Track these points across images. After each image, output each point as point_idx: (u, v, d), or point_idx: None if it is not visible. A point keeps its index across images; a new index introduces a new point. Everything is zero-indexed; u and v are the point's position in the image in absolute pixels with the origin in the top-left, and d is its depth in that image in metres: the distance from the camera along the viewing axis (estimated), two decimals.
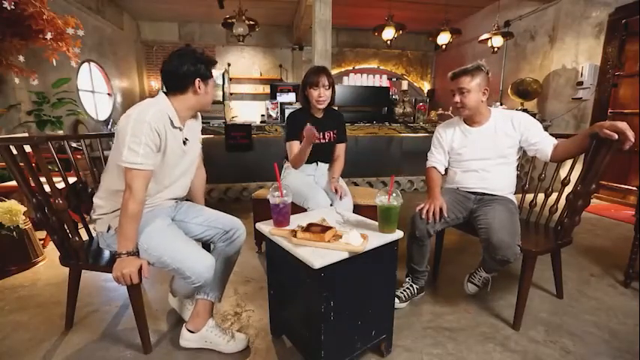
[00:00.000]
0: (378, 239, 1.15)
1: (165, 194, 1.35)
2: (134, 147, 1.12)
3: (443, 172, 1.76)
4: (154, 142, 1.17)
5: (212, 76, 1.31)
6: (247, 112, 6.91)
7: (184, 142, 1.32)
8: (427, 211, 1.52)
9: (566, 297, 1.75)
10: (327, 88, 1.85)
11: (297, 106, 4.05)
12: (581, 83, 3.96)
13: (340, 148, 2.05)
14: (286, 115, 3.69)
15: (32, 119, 3.45)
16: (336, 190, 1.83)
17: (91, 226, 1.43)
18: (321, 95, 1.84)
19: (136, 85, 6.47)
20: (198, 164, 1.54)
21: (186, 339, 1.34)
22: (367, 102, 4.60)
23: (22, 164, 1.24)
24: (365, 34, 6.88)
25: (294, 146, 1.91)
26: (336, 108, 2.09)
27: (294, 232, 1.14)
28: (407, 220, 1.59)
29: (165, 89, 1.28)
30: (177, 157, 1.30)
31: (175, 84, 1.25)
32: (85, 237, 1.42)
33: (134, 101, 5.83)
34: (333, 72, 6.73)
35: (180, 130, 1.30)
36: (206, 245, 1.61)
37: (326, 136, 1.98)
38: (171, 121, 1.24)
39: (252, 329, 1.48)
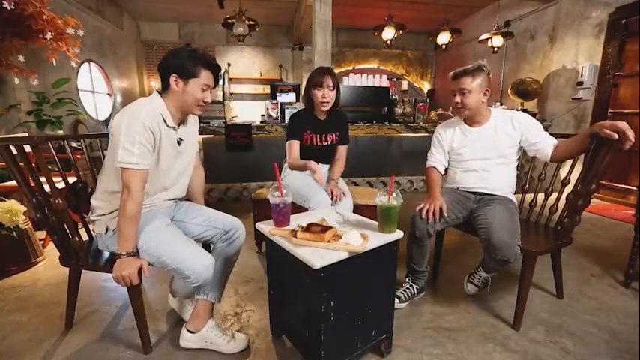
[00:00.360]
0: (378, 239, 1.15)
1: (164, 195, 1.35)
2: (129, 147, 1.11)
3: (443, 172, 1.76)
4: (149, 140, 1.16)
5: (196, 76, 1.21)
6: (247, 112, 6.91)
7: (179, 143, 1.30)
8: (427, 211, 1.52)
9: (566, 297, 1.75)
10: (332, 89, 1.82)
11: (298, 106, 4.06)
12: (581, 83, 3.96)
13: (342, 150, 2.03)
14: (286, 115, 3.73)
15: (32, 119, 3.46)
16: (332, 194, 1.81)
17: (90, 227, 1.43)
18: (325, 96, 1.81)
19: (136, 85, 6.47)
20: (196, 164, 1.53)
21: (186, 339, 1.34)
22: (367, 102, 4.59)
23: (22, 164, 1.23)
24: (365, 34, 6.88)
25: (294, 145, 1.90)
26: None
27: (294, 232, 1.14)
28: (407, 220, 1.59)
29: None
30: (171, 157, 1.29)
31: (161, 81, 1.24)
32: (85, 237, 1.41)
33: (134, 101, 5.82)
34: None
35: (174, 129, 1.28)
36: (206, 245, 1.60)
37: (328, 139, 1.96)
38: (165, 120, 1.23)
39: (252, 329, 1.48)
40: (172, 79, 1.21)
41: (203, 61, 1.22)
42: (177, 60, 1.20)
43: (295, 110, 3.73)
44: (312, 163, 1.73)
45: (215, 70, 1.28)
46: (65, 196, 1.34)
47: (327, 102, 1.83)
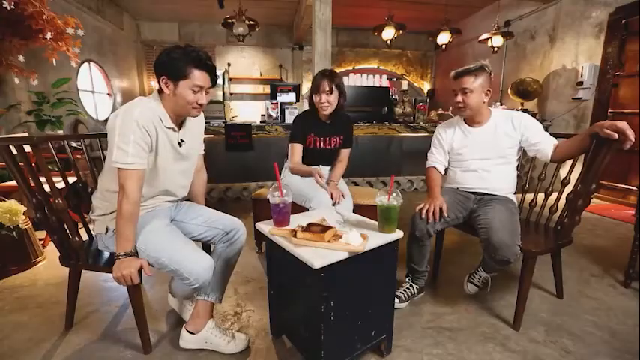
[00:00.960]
0: (378, 239, 1.15)
1: (165, 196, 1.35)
2: (123, 146, 1.10)
3: (443, 172, 1.76)
4: (144, 140, 1.14)
5: (187, 77, 1.16)
6: (247, 112, 6.90)
7: (179, 144, 1.29)
8: (427, 211, 1.52)
9: (566, 297, 1.75)
10: (329, 92, 1.78)
11: (297, 106, 4.06)
12: (581, 83, 3.96)
13: (344, 153, 2.02)
14: (286, 115, 3.72)
15: (32, 119, 3.45)
16: (331, 195, 1.80)
17: (90, 226, 1.43)
18: (322, 100, 1.79)
19: (136, 85, 6.47)
20: (199, 166, 1.53)
21: (186, 340, 1.33)
22: (367, 102, 4.59)
23: (22, 164, 1.23)
24: (365, 34, 6.88)
25: (296, 149, 1.89)
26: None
27: (294, 232, 1.14)
28: (407, 220, 1.59)
29: None
30: (171, 158, 1.27)
31: (157, 82, 1.21)
32: (85, 237, 1.42)
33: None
34: None
35: (174, 130, 1.27)
36: (206, 246, 1.60)
37: (332, 142, 1.94)
38: (162, 121, 1.21)
39: (252, 329, 1.48)
40: (162, 81, 1.17)
41: (194, 60, 1.15)
42: (167, 60, 1.16)
43: (296, 110, 3.75)
44: (320, 172, 1.74)
45: (209, 69, 1.20)
46: (65, 196, 1.34)
47: (326, 106, 1.80)
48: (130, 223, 1.14)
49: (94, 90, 5.03)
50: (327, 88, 1.77)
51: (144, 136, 1.14)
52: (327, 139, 1.93)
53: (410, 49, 7.49)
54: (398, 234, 1.20)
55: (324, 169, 2.02)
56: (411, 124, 4.03)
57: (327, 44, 3.82)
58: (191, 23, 6.58)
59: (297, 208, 1.68)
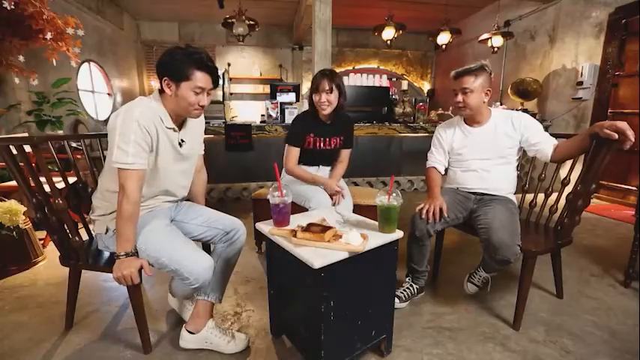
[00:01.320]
0: (378, 239, 1.15)
1: (165, 196, 1.35)
2: (123, 146, 1.10)
3: (443, 172, 1.76)
4: (145, 140, 1.14)
5: (189, 79, 1.15)
6: (247, 112, 6.90)
7: (180, 144, 1.29)
8: (427, 211, 1.52)
9: (566, 297, 1.75)
10: (329, 92, 1.76)
11: (297, 106, 4.06)
12: (581, 83, 3.96)
13: (345, 154, 2.01)
14: (286, 114, 3.72)
15: (32, 119, 3.45)
16: (331, 197, 1.80)
17: (90, 226, 1.43)
18: (322, 100, 1.78)
19: (136, 85, 6.47)
20: (199, 166, 1.53)
21: (186, 340, 1.33)
22: (367, 102, 4.59)
23: (22, 164, 1.23)
24: (365, 34, 6.88)
25: (293, 151, 1.87)
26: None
27: (294, 232, 1.14)
28: (407, 220, 1.59)
29: None
30: (171, 158, 1.27)
31: (159, 82, 1.21)
32: (85, 237, 1.41)
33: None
34: None
35: (175, 130, 1.27)
36: (206, 246, 1.60)
37: (332, 143, 1.93)
38: (162, 121, 1.21)
39: (252, 329, 1.48)
40: (164, 82, 1.18)
41: (196, 62, 1.15)
42: (169, 61, 1.16)
43: (296, 110, 3.75)
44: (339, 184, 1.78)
45: (211, 71, 1.20)
46: (65, 196, 1.34)
47: (326, 105, 1.79)
48: (131, 223, 1.14)
49: (94, 90, 5.03)
50: (327, 88, 1.76)
51: (144, 136, 1.14)
52: (328, 139, 1.92)
53: (410, 49, 7.49)
54: (398, 234, 1.20)
55: (324, 170, 2.02)
56: (411, 124, 4.03)
57: (327, 44, 3.82)
58: (191, 23, 6.58)
59: (297, 208, 1.67)
